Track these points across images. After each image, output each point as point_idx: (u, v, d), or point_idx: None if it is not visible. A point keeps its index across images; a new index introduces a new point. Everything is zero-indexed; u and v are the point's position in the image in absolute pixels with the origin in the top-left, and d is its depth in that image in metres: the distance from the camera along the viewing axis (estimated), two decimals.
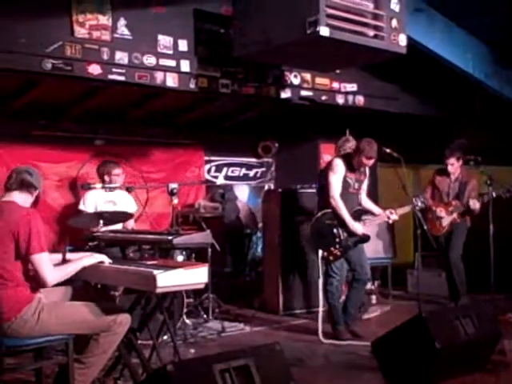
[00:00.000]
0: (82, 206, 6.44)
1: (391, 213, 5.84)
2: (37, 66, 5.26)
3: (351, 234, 5.66)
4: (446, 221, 6.94)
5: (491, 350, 4.61)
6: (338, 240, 5.65)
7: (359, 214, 5.78)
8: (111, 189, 6.36)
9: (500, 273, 6.49)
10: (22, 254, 3.52)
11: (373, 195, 6.57)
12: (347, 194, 5.71)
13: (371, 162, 5.72)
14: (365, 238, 5.74)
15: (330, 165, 5.80)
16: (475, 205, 6.72)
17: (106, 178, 6.42)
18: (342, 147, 6.26)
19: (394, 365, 4.40)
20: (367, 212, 5.91)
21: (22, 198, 3.72)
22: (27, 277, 3.61)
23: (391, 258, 7.86)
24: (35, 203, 3.86)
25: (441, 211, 6.95)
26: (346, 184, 5.71)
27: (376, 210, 5.96)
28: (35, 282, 3.62)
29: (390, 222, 6.01)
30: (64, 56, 5.35)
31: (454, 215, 6.92)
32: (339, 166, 5.70)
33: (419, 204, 5.79)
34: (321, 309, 5.73)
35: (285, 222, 6.94)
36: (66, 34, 5.39)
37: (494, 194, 6.54)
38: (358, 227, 5.65)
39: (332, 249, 5.64)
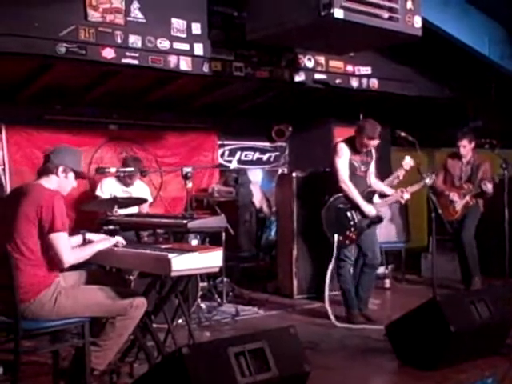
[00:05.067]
0: (98, 192, 6.48)
1: (402, 192, 5.82)
2: (51, 49, 5.27)
3: (364, 215, 5.66)
4: (459, 205, 6.91)
5: (506, 334, 4.60)
6: (352, 223, 5.65)
7: (370, 195, 5.77)
8: (127, 182, 6.40)
9: None
10: (44, 232, 3.55)
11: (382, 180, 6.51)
12: (355, 176, 5.69)
13: (373, 142, 5.65)
14: (378, 219, 5.75)
15: (334, 150, 5.77)
16: (487, 186, 6.68)
17: (127, 179, 6.43)
18: None
19: (407, 348, 4.41)
20: (381, 195, 5.90)
21: (47, 181, 3.75)
22: (48, 257, 3.62)
23: (405, 242, 7.85)
24: (78, 176, 3.88)
25: (453, 195, 6.92)
26: (352, 167, 5.68)
27: (388, 190, 5.93)
28: (55, 264, 3.64)
29: (403, 201, 5.98)
30: (78, 40, 5.37)
31: (467, 198, 6.89)
32: (343, 150, 5.66)
33: (428, 180, 5.76)
34: (327, 293, 5.69)
35: (298, 206, 6.93)
36: (79, 17, 5.40)
37: (506, 174, 6.47)
38: (370, 209, 5.65)
39: (347, 233, 5.64)
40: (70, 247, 3.64)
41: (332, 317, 5.61)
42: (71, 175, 3.81)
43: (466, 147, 6.93)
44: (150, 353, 4.07)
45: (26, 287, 3.51)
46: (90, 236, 4.05)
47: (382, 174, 6.52)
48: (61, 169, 3.75)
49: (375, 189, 5.88)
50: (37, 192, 3.64)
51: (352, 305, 5.78)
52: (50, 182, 3.74)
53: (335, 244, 5.62)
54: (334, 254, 5.65)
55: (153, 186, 7.00)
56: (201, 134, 8.27)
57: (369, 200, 5.72)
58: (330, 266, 5.71)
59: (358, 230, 5.66)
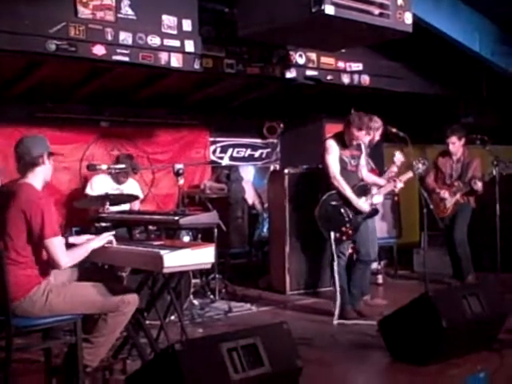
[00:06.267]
0: (88, 190, 6.45)
1: (395, 181, 5.86)
2: (41, 47, 5.24)
3: (358, 210, 5.67)
4: (450, 202, 6.93)
5: (498, 328, 4.61)
6: (347, 219, 5.65)
7: (363, 189, 5.77)
8: (120, 179, 6.38)
9: (507, 252, 6.49)
10: (35, 238, 3.52)
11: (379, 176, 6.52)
12: (346, 172, 5.70)
13: (362, 133, 5.68)
14: (374, 212, 5.76)
15: (323, 147, 5.79)
16: (477, 184, 6.70)
17: (120, 177, 6.41)
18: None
19: (400, 344, 4.42)
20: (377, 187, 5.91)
21: (34, 176, 3.70)
22: (38, 260, 3.61)
23: (396, 238, 7.86)
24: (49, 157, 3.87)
25: (444, 193, 6.93)
26: (342, 162, 5.69)
27: (380, 182, 5.96)
28: (46, 265, 3.62)
29: (397, 190, 6.06)
30: (68, 37, 5.34)
31: (457, 196, 6.90)
32: (332, 146, 5.69)
33: (420, 167, 5.77)
34: (338, 289, 5.65)
35: (291, 202, 6.93)
36: (69, 14, 5.38)
37: (494, 172, 6.50)
38: (363, 205, 5.66)
39: (343, 228, 5.64)
40: (64, 250, 3.61)
41: (337, 314, 5.56)
42: (49, 159, 3.83)
43: (455, 144, 6.92)
44: (143, 349, 4.06)
45: (15, 286, 3.48)
46: (72, 240, 4.03)
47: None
48: (45, 156, 3.75)
49: (368, 182, 5.90)
50: (25, 195, 3.57)
51: (345, 301, 5.78)
52: (37, 177, 3.70)
53: (332, 241, 5.62)
54: (334, 251, 5.64)
55: (144, 183, 6.99)
56: (192, 130, 8.27)
57: (363, 193, 5.73)
58: (335, 264, 5.67)
59: (354, 224, 5.66)
